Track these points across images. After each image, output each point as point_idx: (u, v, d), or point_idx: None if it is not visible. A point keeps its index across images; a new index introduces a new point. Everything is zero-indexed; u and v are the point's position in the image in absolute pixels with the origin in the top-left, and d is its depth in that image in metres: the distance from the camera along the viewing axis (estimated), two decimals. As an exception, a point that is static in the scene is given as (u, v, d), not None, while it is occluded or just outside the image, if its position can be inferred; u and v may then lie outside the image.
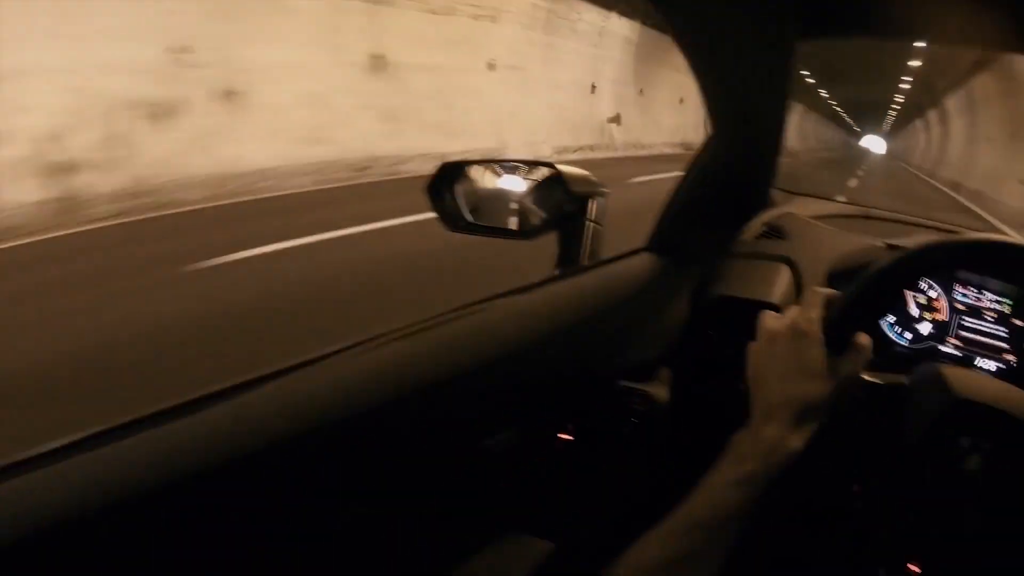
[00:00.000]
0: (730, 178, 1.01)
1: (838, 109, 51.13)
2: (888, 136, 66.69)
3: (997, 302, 0.92)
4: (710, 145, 0.97)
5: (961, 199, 14.97)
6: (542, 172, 1.01)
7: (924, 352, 0.93)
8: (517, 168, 1.05)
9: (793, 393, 0.57)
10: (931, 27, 0.83)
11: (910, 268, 0.64)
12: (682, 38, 0.80)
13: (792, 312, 0.62)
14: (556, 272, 0.90)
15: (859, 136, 75.36)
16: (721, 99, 0.90)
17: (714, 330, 0.87)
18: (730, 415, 0.64)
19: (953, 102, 24.17)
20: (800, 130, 43.14)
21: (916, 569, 0.72)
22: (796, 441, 0.56)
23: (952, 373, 0.66)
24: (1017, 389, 0.68)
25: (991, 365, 0.90)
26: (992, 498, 0.63)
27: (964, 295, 0.93)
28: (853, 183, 16.19)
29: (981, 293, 0.92)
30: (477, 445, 0.71)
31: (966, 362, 0.91)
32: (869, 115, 55.36)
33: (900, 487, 0.68)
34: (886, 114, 49.29)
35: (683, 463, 0.70)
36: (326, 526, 0.59)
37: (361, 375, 0.65)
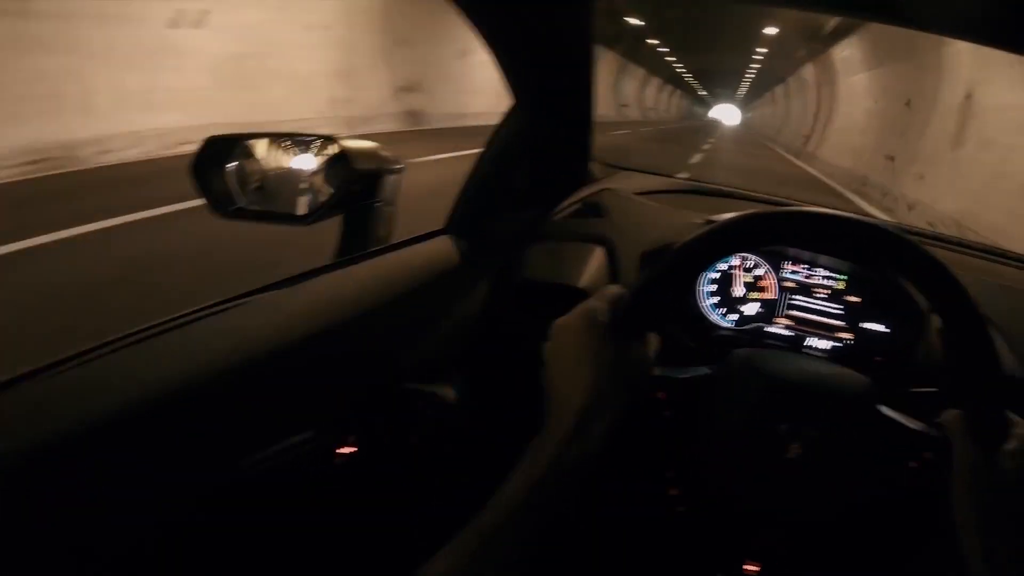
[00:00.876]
0: (538, 152, 0.94)
1: (690, 79, 51.57)
2: (744, 106, 70.93)
3: (830, 278, 0.88)
4: (512, 117, 0.89)
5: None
6: (333, 148, 0.90)
7: (750, 334, 0.89)
8: (307, 143, 0.93)
9: (582, 391, 0.53)
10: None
11: (708, 248, 0.57)
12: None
13: (582, 305, 0.58)
14: (330, 261, 0.79)
15: (710, 106, 78.56)
16: (517, 65, 0.82)
17: (515, 320, 0.80)
18: (532, 414, 0.57)
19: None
20: (643, 100, 39.32)
21: (755, 568, 0.70)
22: (587, 442, 0.51)
23: (762, 358, 0.63)
24: (835, 367, 0.65)
25: (825, 344, 0.87)
26: (818, 484, 0.60)
27: (794, 272, 0.90)
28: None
29: (813, 270, 0.89)
30: (233, 465, 0.61)
31: (796, 342, 0.87)
32: (722, 84, 57.71)
33: (723, 484, 0.64)
34: (740, 84, 51.73)
35: (479, 471, 0.63)
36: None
37: (90, 387, 0.53)
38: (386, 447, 0.72)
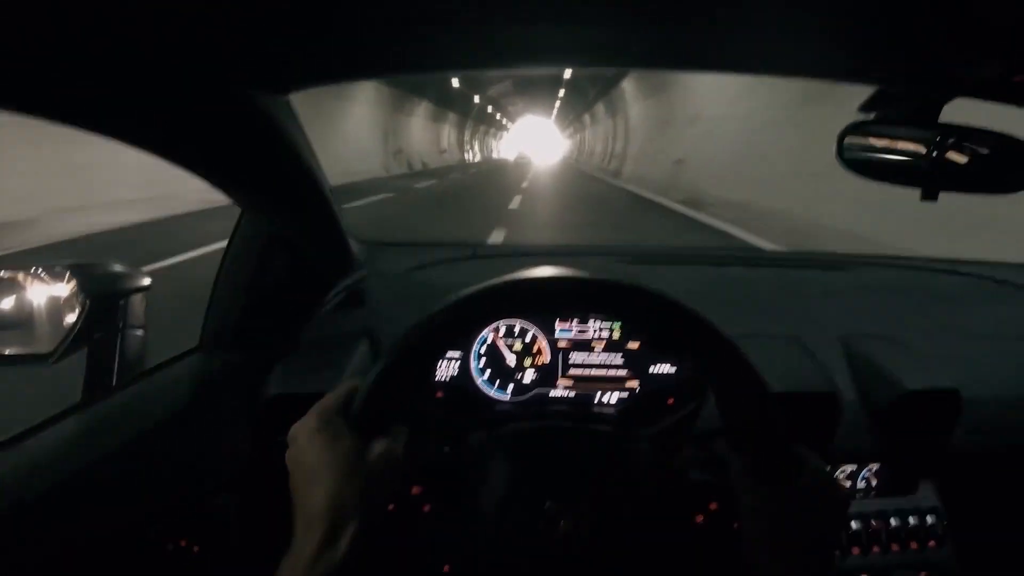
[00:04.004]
0: (288, 249, 0.88)
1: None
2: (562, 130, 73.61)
3: (605, 329, 0.86)
4: (243, 222, 0.85)
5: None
6: (66, 273, 0.83)
7: (532, 403, 0.86)
8: (36, 272, 0.84)
9: (326, 498, 0.50)
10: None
11: (441, 328, 0.52)
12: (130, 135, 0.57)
13: (317, 404, 0.55)
14: (75, 402, 0.72)
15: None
16: (222, 174, 0.71)
17: (274, 439, 0.70)
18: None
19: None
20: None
21: None
22: (335, 554, 0.48)
23: (513, 435, 0.63)
24: (597, 427, 0.65)
25: (613, 398, 0.85)
26: (599, 559, 0.58)
27: (565, 330, 0.86)
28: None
29: (585, 324, 0.86)
30: None
31: (583, 402, 0.85)
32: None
33: (502, 573, 0.60)
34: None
35: None
36: None
37: None
38: None
